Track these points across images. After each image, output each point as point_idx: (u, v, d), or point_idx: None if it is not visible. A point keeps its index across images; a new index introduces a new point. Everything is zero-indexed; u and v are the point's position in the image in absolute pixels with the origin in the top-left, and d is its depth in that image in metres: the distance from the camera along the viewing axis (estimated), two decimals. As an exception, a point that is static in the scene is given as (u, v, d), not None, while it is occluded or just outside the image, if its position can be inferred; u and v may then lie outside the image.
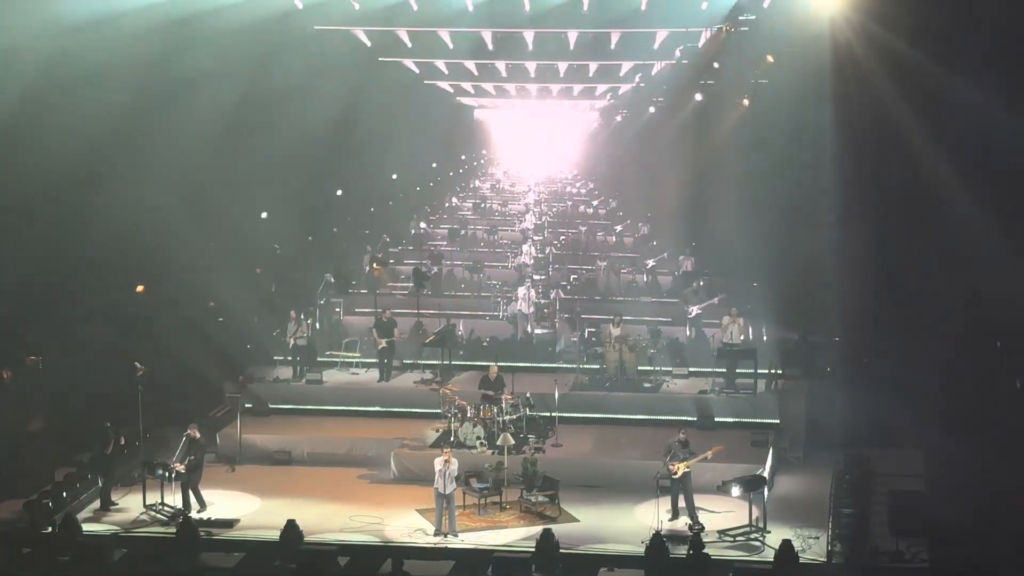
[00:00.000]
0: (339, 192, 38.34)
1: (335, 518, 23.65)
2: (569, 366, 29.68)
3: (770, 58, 27.43)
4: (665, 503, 22.96)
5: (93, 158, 27.79)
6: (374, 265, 32.51)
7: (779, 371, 28.55)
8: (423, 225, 47.81)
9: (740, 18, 29.34)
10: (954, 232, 27.09)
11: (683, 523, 22.85)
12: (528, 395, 26.94)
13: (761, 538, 22.41)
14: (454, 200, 58.28)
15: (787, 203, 33.03)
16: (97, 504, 24.26)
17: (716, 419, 27.14)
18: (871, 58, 26.65)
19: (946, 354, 26.53)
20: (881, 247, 28.55)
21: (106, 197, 28.25)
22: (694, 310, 33.06)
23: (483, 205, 57.09)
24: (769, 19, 29.88)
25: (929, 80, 25.44)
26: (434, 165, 60.06)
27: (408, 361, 30.76)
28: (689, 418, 27.00)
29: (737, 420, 27.36)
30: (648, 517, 22.96)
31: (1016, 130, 24.29)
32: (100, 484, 24.44)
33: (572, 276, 39.15)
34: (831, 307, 30.89)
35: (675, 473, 23.15)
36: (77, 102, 26.84)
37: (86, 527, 22.81)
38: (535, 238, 44.96)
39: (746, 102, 27.34)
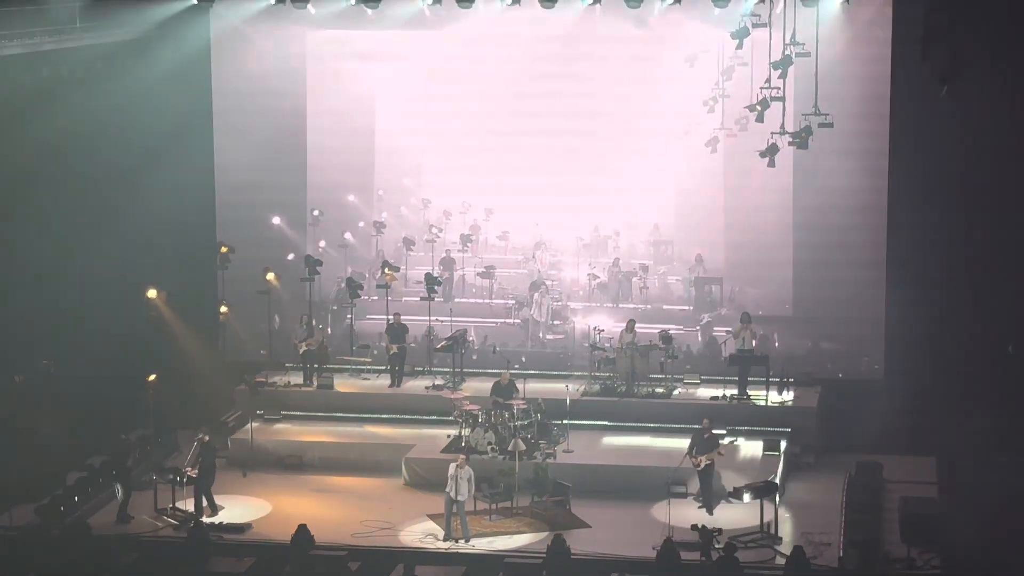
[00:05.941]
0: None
1: (346, 523, 23.66)
2: (581, 373, 29.61)
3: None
4: (676, 507, 22.86)
5: None
6: (386, 271, 32.23)
7: (791, 378, 28.47)
8: None
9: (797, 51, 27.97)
10: (967, 234, 27.02)
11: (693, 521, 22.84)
12: (540, 401, 26.90)
13: (772, 544, 22.40)
14: None
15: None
16: (109, 508, 24.27)
17: (728, 426, 27.03)
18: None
19: (959, 360, 26.43)
20: (894, 250, 28.41)
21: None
22: (706, 317, 33.00)
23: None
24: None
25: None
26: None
27: (419, 368, 30.73)
28: (700, 426, 26.90)
29: (749, 428, 27.27)
30: (659, 523, 22.93)
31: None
32: (119, 497, 24.21)
33: (584, 281, 39.00)
34: (843, 314, 30.84)
35: (698, 466, 23.26)
36: None
37: (97, 531, 22.82)
38: (547, 243, 44.78)
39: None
